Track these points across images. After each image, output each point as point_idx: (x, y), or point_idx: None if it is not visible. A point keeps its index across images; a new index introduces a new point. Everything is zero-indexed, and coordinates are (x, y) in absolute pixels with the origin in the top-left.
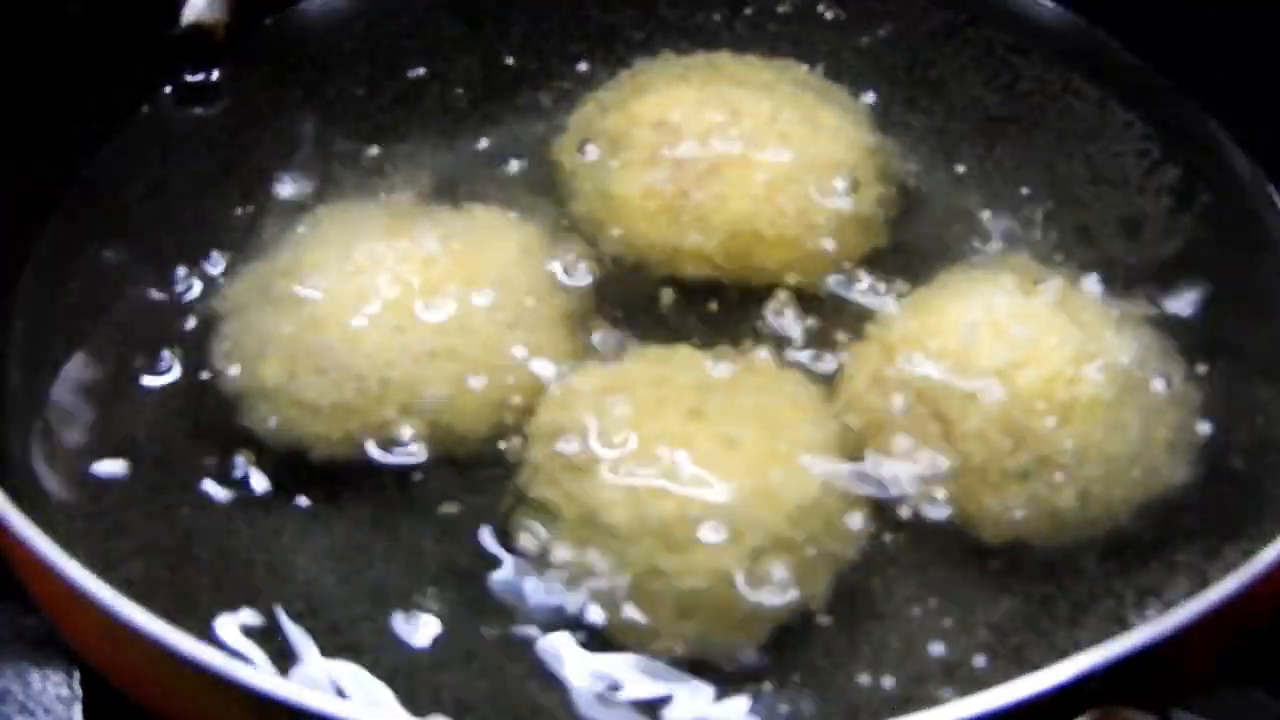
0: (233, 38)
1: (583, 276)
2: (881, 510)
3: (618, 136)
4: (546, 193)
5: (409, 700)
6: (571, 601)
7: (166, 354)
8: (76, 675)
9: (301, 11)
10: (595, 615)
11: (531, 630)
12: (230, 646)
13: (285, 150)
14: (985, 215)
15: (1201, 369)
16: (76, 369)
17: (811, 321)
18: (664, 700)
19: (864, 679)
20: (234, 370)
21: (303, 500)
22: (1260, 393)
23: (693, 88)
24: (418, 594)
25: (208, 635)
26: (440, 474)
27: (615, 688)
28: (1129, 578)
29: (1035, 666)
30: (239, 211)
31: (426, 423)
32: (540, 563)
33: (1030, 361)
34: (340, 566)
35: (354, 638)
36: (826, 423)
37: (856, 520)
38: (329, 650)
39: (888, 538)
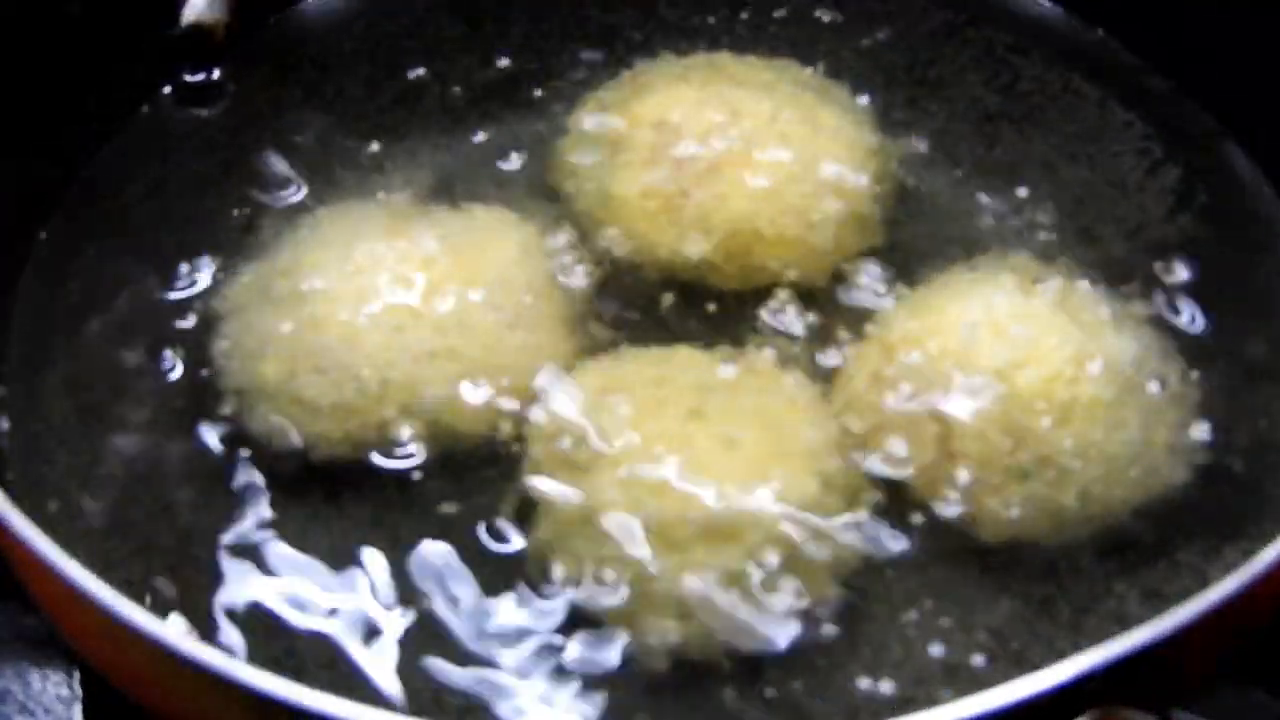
0: (233, 38)
1: (582, 276)
2: (881, 510)
3: (618, 136)
4: (546, 193)
5: (409, 700)
6: (572, 601)
7: (166, 354)
8: (76, 675)
9: (301, 11)
10: (596, 615)
11: (532, 630)
12: (230, 646)
13: (285, 150)
14: (985, 215)
15: (1201, 369)
16: (76, 369)
17: (811, 321)
18: (665, 700)
19: (864, 679)
20: (234, 370)
21: (302, 500)
22: (1260, 393)
23: (693, 88)
24: (417, 593)
25: (208, 635)
26: (440, 474)
27: (615, 688)
28: (1129, 578)
29: (1035, 666)
30: (239, 211)
31: (426, 422)
32: (540, 563)
33: (1030, 361)
34: (340, 566)
35: (353, 637)
36: (826, 423)
37: (856, 520)
38: (329, 650)
39: (887, 538)
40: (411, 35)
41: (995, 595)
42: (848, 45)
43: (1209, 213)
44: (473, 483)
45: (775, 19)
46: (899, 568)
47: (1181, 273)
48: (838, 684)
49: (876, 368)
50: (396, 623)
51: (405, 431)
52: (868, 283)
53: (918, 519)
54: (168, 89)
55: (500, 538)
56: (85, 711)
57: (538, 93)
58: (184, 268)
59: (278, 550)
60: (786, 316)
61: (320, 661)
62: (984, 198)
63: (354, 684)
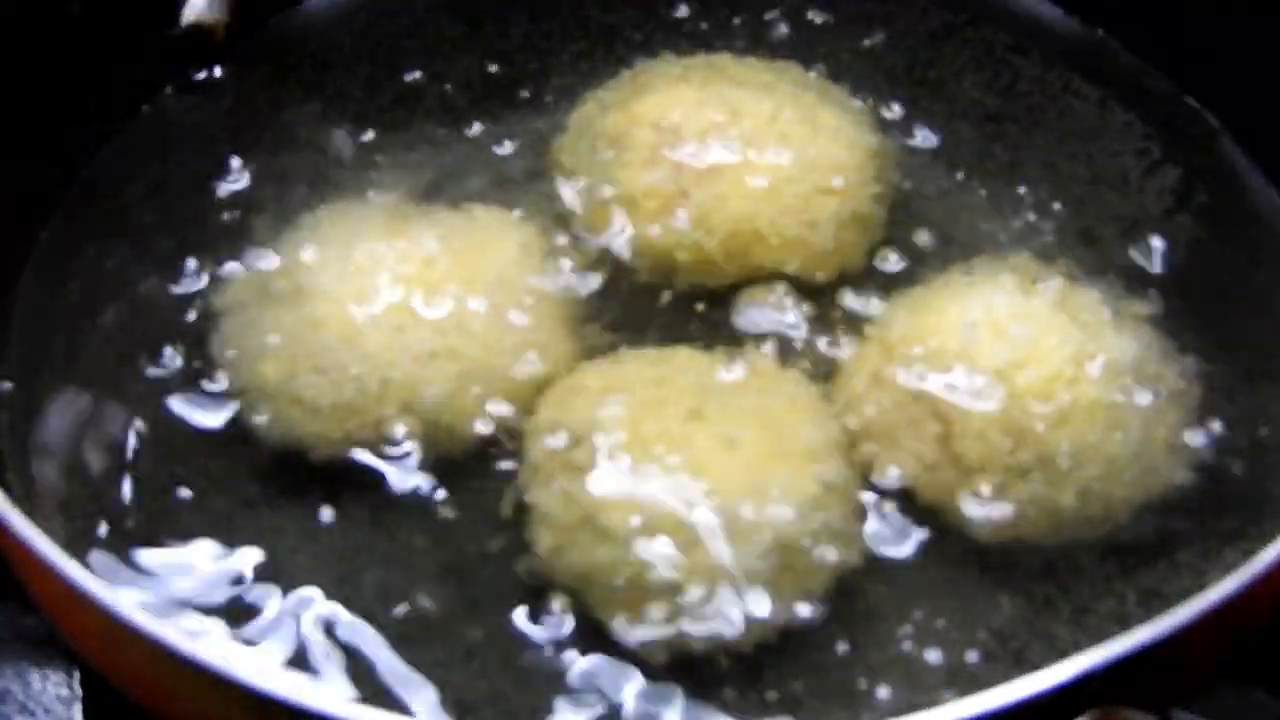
0: (233, 37)
1: (582, 277)
2: (881, 510)
3: (618, 136)
4: (546, 193)
5: (409, 700)
6: (572, 601)
7: (166, 353)
8: (76, 675)
9: (302, 11)
10: (596, 614)
11: (533, 630)
12: (230, 646)
13: (285, 150)
14: (985, 215)
15: (1201, 369)
16: (76, 369)
17: (811, 322)
18: (664, 700)
19: (864, 679)
20: (234, 370)
21: (302, 500)
22: (1260, 393)
23: (693, 88)
24: (417, 593)
25: (209, 635)
26: (439, 473)
27: (615, 687)
28: (1129, 578)
29: (1035, 666)
30: (239, 211)
31: (425, 422)
32: (540, 563)
33: (1030, 361)
34: (340, 566)
35: (353, 637)
36: (826, 423)
37: (856, 520)
38: (329, 650)
39: (888, 538)
40: (411, 35)
41: (995, 595)
42: (847, 46)
43: (1208, 213)
44: (472, 483)
45: (775, 20)
46: (899, 568)
47: (1181, 272)
48: (838, 684)
49: (876, 368)
50: (396, 623)
51: (405, 431)
52: (868, 283)
53: (917, 519)
54: (168, 88)
55: (500, 538)
56: (85, 711)
57: (537, 93)
58: (184, 267)
59: (278, 550)
60: (787, 317)
61: (321, 661)
62: (984, 198)
63: (354, 684)
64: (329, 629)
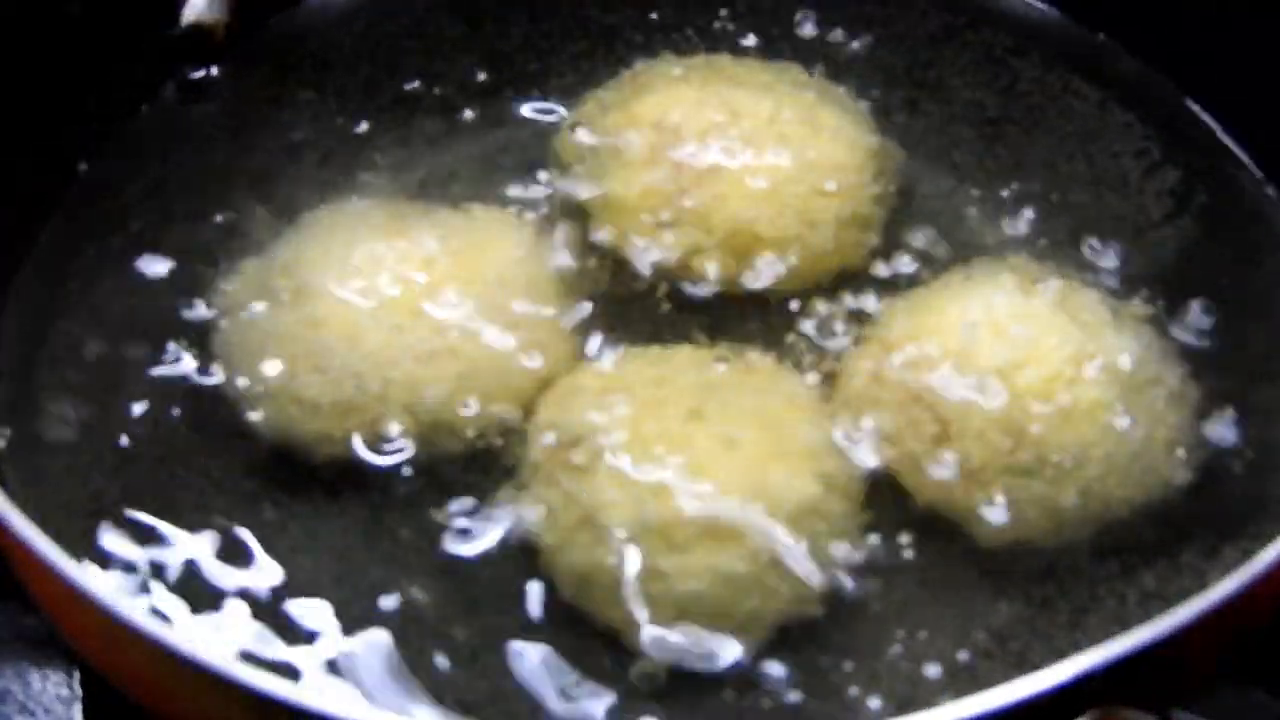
0: (233, 37)
1: (582, 276)
2: (881, 510)
3: (618, 136)
4: (546, 193)
5: (409, 700)
6: (572, 601)
7: (166, 353)
8: (76, 675)
9: (302, 11)
10: (596, 614)
11: (533, 630)
12: (230, 646)
13: (285, 149)
14: (985, 216)
15: (1201, 369)
16: (76, 368)
17: (811, 321)
18: (664, 700)
19: (864, 679)
20: (234, 369)
21: (303, 499)
22: (1260, 393)
23: (693, 88)
24: (418, 594)
25: (208, 635)
26: (439, 473)
27: (615, 688)
28: (1129, 578)
29: (1035, 667)
30: (239, 211)
31: (426, 422)
32: (540, 563)
33: (1030, 361)
34: (340, 565)
35: (353, 637)
36: (826, 423)
37: (856, 520)
38: (329, 650)
39: (887, 538)
40: (411, 35)
41: (995, 596)
42: (848, 47)
43: (1209, 213)
44: (472, 482)
45: (775, 20)
46: (898, 568)
47: (1181, 273)
48: (838, 684)
49: (876, 368)
50: (396, 623)
51: (404, 431)
52: (868, 283)
53: (917, 519)
54: (168, 88)
55: (500, 538)
56: (85, 711)
57: (537, 92)
58: (184, 268)
59: (278, 550)
60: (787, 316)
61: (321, 661)
62: (983, 198)
63: (354, 684)
64: (329, 628)
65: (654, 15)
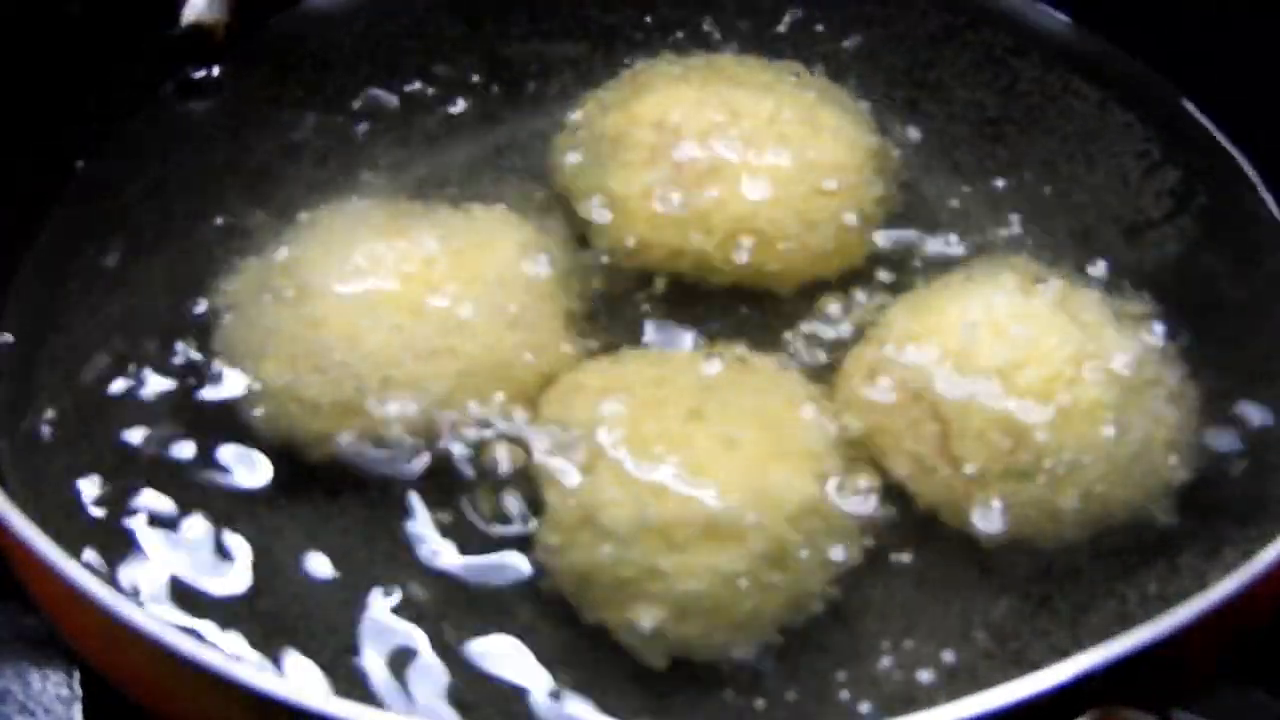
0: (233, 37)
1: (582, 276)
2: (881, 510)
3: (618, 136)
4: (546, 192)
5: (410, 700)
6: (572, 601)
7: (166, 353)
8: (76, 675)
9: (301, 11)
10: (596, 614)
11: (533, 630)
12: (230, 646)
13: (285, 149)
14: (985, 216)
15: (1200, 369)
16: (76, 369)
17: (811, 321)
18: (664, 700)
19: (864, 679)
20: (234, 369)
21: (303, 499)
22: (1260, 393)
23: (693, 88)
24: (418, 593)
25: (209, 635)
26: (439, 473)
27: (615, 688)
28: (1129, 578)
29: (1035, 666)
30: (239, 211)
31: (426, 422)
32: (541, 563)
33: (1030, 361)
34: (340, 565)
35: (354, 637)
36: (826, 423)
37: (856, 520)
38: (329, 649)
39: (887, 538)
40: (411, 35)
41: (995, 595)
42: (848, 47)
43: (1208, 214)
44: (472, 482)
45: (775, 20)
46: (898, 568)
47: (1181, 274)
48: (838, 684)
49: (876, 368)
50: (396, 622)
51: (405, 430)
52: (867, 283)
53: (917, 519)
54: (168, 88)
55: (500, 537)
56: (85, 711)
57: (537, 92)
58: (184, 267)
59: (277, 549)
60: (787, 316)
61: (321, 661)
62: (983, 198)
63: (354, 684)
64: (329, 628)
65: (654, 15)
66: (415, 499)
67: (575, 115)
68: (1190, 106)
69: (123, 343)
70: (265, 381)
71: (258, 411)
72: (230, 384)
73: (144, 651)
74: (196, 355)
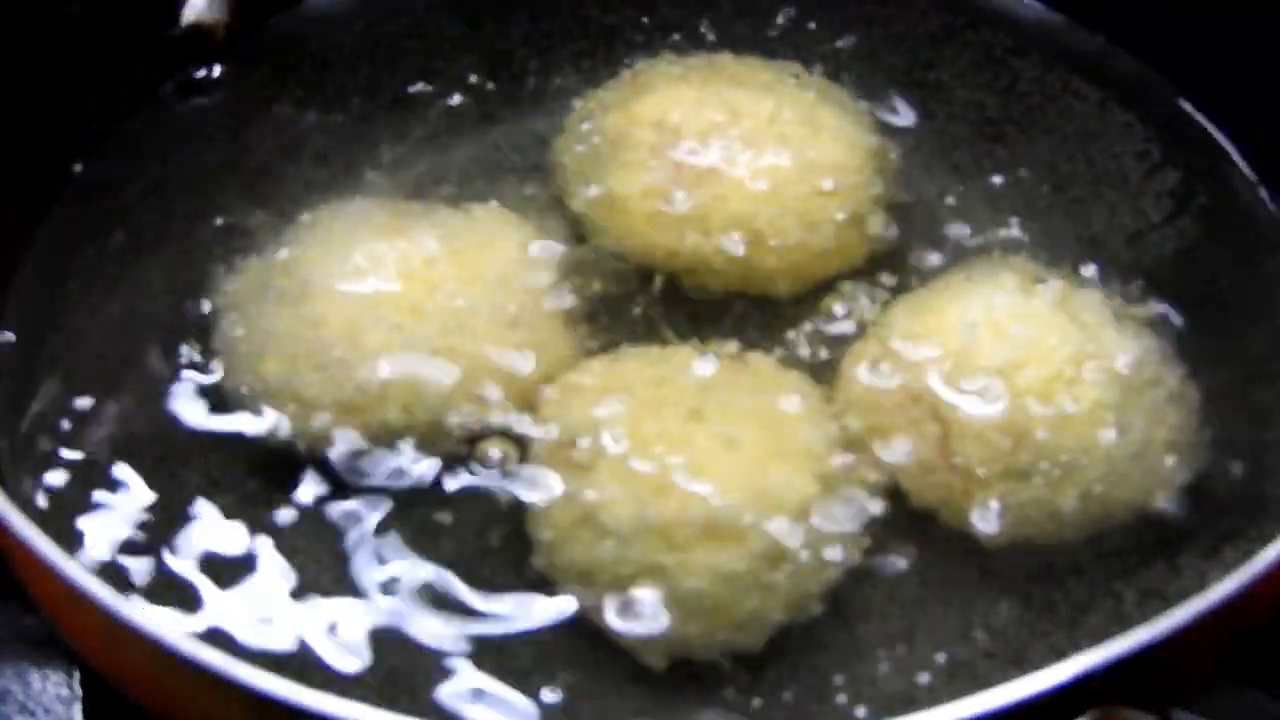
0: (233, 37)
1: (582, 276)
2: (881, 510)
3: (618, 136)
4: (546, 192)
5: (410, 700)
6: (572, 601)
7: (167, 352)
8: (76, 675)
9: (301, 11)
10: (596, 615)
11: (533, 630)
12: (230, 646)
13: (285, 149)
14: (985, 216)
15: (1201, 370)
16: (76, 368)
17: (811, 321)
18: (664, 699)
19: (864, 679)
20: (234, 368)
21: (302, 499)
22: (1259, 393)
23: (693, 88)
24: (418, 592)
25: (209, 636)
26: (439, 472)
27: (615, 688)
28: (1129, 578)
29: (1035, 666)
30: (239, 210)
31: (426, 421)
32: (541, 563)
33: (1030, 361)
34: (340, 564)
35: (353, 636)
36: (826, 423)
37: (856, 520)
38: (330, 650)
39: (887, 538)
40: (411, 35)
41: (995, 596)
42: (848, 47)
43: (1208, 214)
44: (472, 482)
45: (775, 20)
46: (899, 568)
47: (1181, 274)
48: (838, 684)
49: (876, 368)
50: (396, 621)
51: (405, 430)
52: (867, 283)
53: (917, 519)
54: (168, 88)
55: (500, 537)
56: (85, 711)
57: (537, 92)
58: (184, 267)
59: (277, 549)
60: (786, 316)
61: (321, 661)
62: (983, 198)
63: (355, 683)
64: (329, 628)
65: (654, 15)
66: (415, 499)
67: (575, 115)
68: (1189, 106)
69: (123, 342)
70: (266, 380)
71: (258, 410)
72: (231, 383)
73: (144, 651)
74: (196, 355)
